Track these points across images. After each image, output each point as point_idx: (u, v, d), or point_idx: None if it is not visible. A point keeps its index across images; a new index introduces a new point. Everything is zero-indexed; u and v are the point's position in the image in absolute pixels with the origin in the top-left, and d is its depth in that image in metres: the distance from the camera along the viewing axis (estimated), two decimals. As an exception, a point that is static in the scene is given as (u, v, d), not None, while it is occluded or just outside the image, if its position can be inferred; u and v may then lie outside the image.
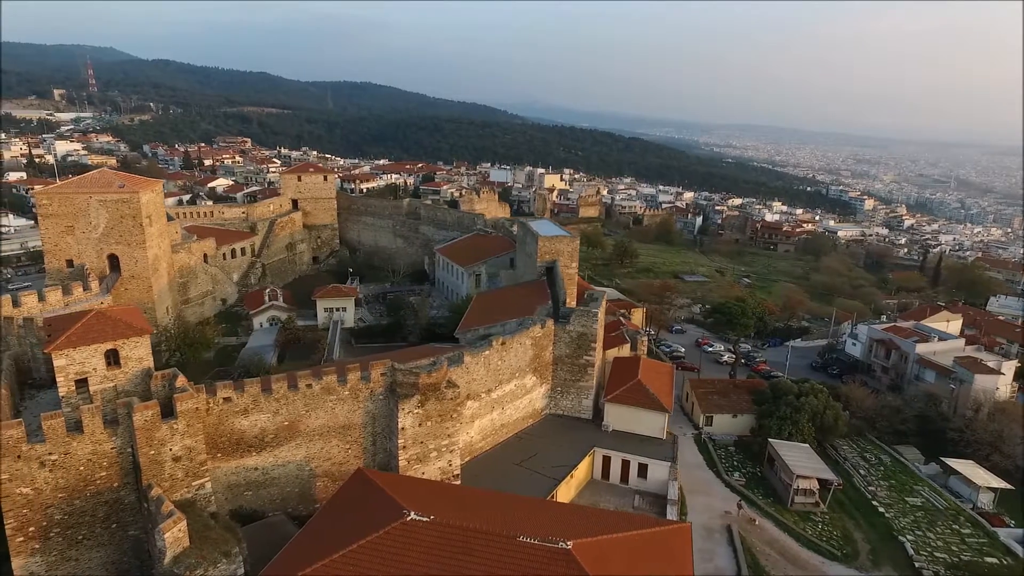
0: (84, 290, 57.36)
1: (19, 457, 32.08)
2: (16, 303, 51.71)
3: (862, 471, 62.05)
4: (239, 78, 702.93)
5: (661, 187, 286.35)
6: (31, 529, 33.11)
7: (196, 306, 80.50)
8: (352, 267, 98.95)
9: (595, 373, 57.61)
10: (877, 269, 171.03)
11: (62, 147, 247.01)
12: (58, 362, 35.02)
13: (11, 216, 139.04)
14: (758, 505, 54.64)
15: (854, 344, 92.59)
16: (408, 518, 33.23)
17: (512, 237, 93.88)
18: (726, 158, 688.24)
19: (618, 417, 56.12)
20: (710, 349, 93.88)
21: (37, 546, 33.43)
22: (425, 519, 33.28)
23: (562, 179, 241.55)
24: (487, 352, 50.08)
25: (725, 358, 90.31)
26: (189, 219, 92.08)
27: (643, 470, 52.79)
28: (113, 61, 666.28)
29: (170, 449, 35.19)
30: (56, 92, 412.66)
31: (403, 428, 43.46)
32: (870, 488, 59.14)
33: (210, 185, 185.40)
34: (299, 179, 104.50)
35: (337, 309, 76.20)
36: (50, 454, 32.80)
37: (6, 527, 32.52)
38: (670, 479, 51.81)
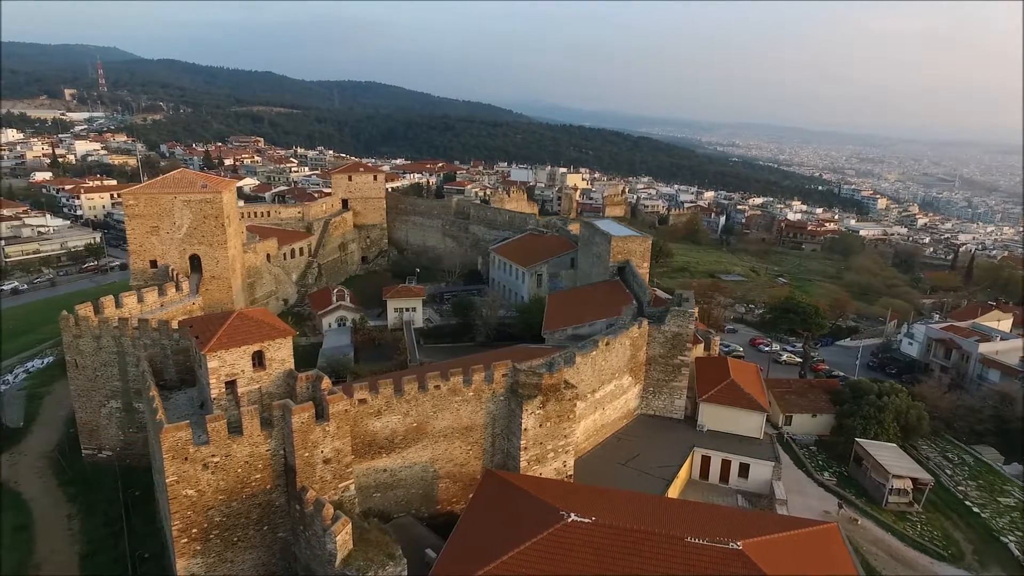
0: (176, 291, 57.42)
1: (186, 459, 32.08)
2: (119, 304, 51.66)
3: (948, 471, 62.18)
4: (245, 77, 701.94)
5: (680, 186, 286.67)
6: (194, 531, 33.11)
7: (261, 306, 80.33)
8: (410, 268, 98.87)
9: (688, 373, 57.71)
10: (906, 268, 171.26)
11: (81, 147, 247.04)
12: (211, 363, 34.95)
13: (48, 216, 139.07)
14: (856, 505, 54.73)
15: (910, 344, 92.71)
16: (569, 520, 33.32)
17: (568, 237, 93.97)
18: (731, 157, 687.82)
19: (713, 417, 56.17)
20: (766, 349, 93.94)
21: (198, 547, 33.44)
22: (587, 520, 33.37)
23: (583, 179, 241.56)
24: (594, 352, 50.13)
25: (784, 358, 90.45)
26: (248, 219, 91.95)
27: (744, 470, 52.89)
28: (118, 61, 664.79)
29: (321, 451, 35.21)
30: (67, 92, 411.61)
31: (526, 429, 43.53)
32: (959, 488, 59.29)
33: (237, 185, 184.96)
34: (350, 179, 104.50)
35: (407, 309, 76.14)
36: (213, 456, 32.79)
37: (172, 528, 32.52)
38: (774, 479, 51.92)
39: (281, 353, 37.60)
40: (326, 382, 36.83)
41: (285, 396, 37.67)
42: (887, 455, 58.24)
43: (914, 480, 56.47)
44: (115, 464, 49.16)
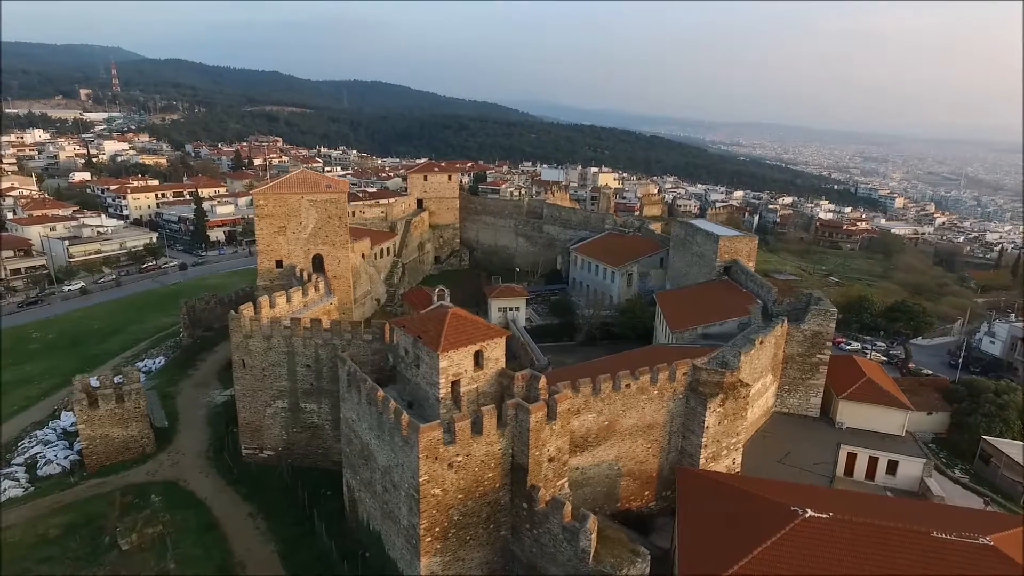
0: (315, 291, 57.56)
1: (436, 458, 32.30)
2: (272, 304, 51.76)
3: (1072, 468, 62.55)
4: (252, 77, 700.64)
5: (704, 186, 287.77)
6: (436, 530, 33.36)
7: (360, 307, 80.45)
8: (493, 267, 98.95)
9: (825, 371, 58.07)
10: (949, 267, 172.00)
11: (110, 147, 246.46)
12: (442, 363, 35.13)
13: (103, 216, 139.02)
14: (999, 502, 55.11)
15: (992, 342, 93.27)
16: (807, 516, 33.57)
17: (652, 236, 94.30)
18: (738, 156, 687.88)
19: (853, 414, 56.59)
20: (848, 348, 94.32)
21: (439, 546, 33.69)
22: (824, 516, 33.64)
23: (615, 179, 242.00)
24: (752, 351, 50.43)
25: (870, 356, 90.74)
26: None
27: (892, 467, 53.25)
28: (124, 61, 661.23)
29: (547, 450, 35.46)
30: (82, 92, 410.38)
31: (707, 426, 44.02)
32: (1088, 485, 59.68)
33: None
34: (425, 179, 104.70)
35: (511, 309, 76.36)
36: (457, 455, 33.03)
37: (420, 527, 32.72)
38: (925, 475, 52.30)
39: (496, 352, 37.78)
40: (543, 381, 37.04)
41: (497, 395, 37.96)
42: (1020, 453, 58.65)
43: (1046, 477, 56.93)
44: (278, 464, 49.32)
